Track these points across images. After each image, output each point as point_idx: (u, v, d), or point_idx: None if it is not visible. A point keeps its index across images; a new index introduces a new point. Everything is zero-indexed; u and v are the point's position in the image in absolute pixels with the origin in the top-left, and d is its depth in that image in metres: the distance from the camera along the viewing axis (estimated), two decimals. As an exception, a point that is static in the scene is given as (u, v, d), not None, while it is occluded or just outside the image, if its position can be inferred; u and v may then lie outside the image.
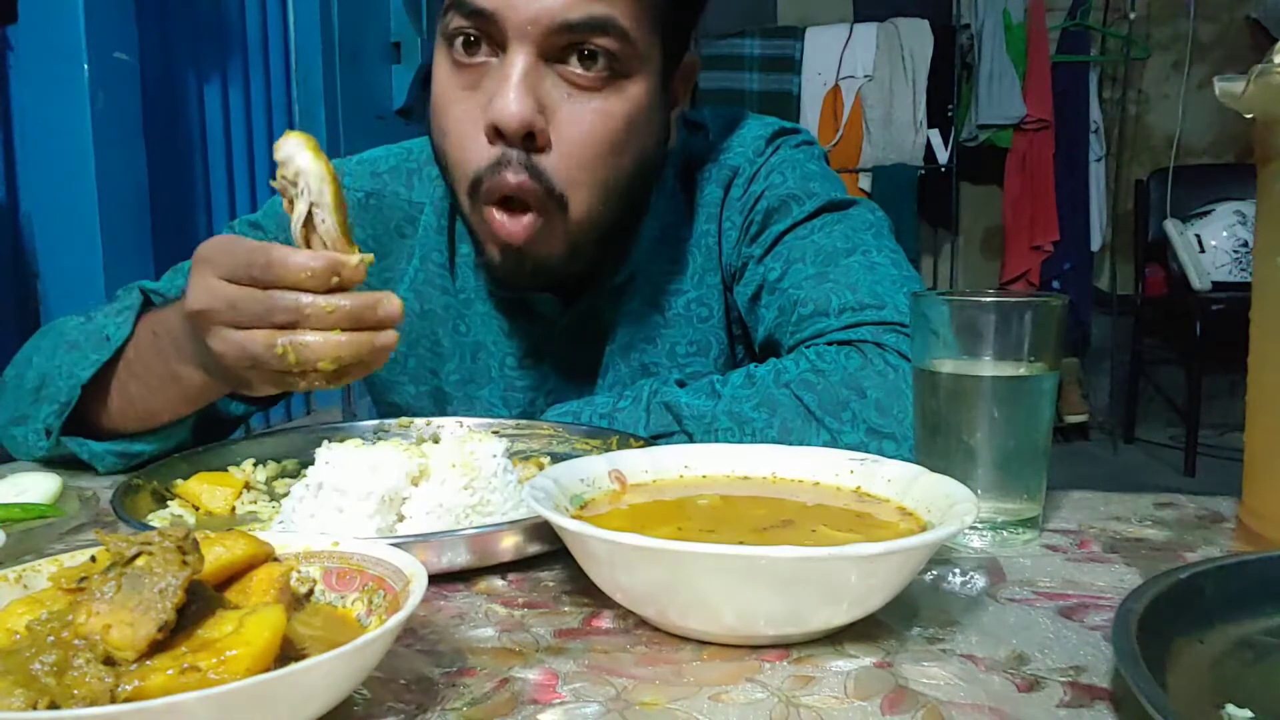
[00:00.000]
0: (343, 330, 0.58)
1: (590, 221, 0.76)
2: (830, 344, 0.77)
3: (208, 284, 0.60)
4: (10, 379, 0.83)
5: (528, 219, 0.73)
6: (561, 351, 0.89)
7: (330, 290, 0.58)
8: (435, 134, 0.77)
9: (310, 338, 0.58)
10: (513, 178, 0.72)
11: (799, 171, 0.86)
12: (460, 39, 0.71)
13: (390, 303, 0.59)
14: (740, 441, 0.73)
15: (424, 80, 3.08)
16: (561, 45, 0.70)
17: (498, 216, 0.74)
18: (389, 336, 0.59)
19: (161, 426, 0.77)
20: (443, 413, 0.89)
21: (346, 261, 0.58)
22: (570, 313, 0.87)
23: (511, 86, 0.69)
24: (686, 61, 0.81)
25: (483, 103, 0.71)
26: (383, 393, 0.97)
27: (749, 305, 0.87)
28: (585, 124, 0.72)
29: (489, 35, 0.70)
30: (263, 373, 0.60)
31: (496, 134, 0.71)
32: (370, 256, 0.60)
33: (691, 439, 0.74)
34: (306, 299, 0.58)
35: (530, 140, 0.71)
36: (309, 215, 0.58)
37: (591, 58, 0.71)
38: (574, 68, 0.71)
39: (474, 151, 0.73)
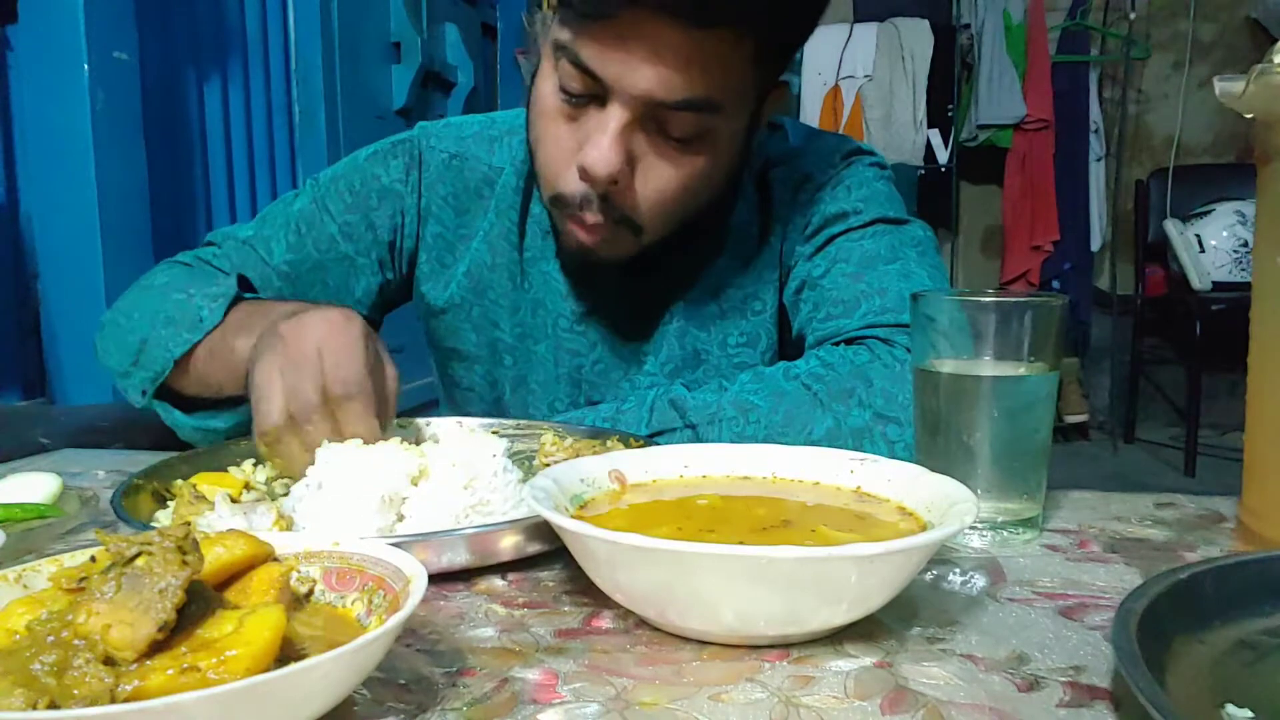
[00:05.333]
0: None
1: (661, 238, 0.82)
2: (838, 343, 0.81)
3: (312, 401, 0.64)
4: (111, 323, 0.90)
5: (600, 236, 0.79)
6: (615, 322, 0.93)
7: None
8: (531, 134, 0.82)
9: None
10: (591, 218, 0.78)
11: (866, 189, 0.90)
12: (569, 80, 0.75)
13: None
14: (744, 429, 0.75)
15: (424, 80, 3.09)
16: (657, 114, 0.74)
17: (572, 226, 0.80)
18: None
19: (227, 399, 0.82)
20: (499, 364, 0.96)
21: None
22: (629, 287, 0.90)
23: (606, 141, 0.74)
24: (775, 91, 0.83)
25: (579, 137, 0.76)
26: (444, 337, 1.00)
27: (792, 299, 0.91)
28: (667, 176, 0.77)
29: (594, 89, 0.74)
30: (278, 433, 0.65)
31: (585, 174, 0.75)
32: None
33: (695, 430, 0.76)
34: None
35: (614, 184, 0.76)
36: None
37: (682, 125, 0.75)
38: (665, 131, 0.75)
39: (563, 178, 0.78)
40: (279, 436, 0.64)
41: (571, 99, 0.76)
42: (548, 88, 0.78)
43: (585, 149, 0.75)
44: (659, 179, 0.77)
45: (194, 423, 0.83)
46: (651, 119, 0.74)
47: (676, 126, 0.74)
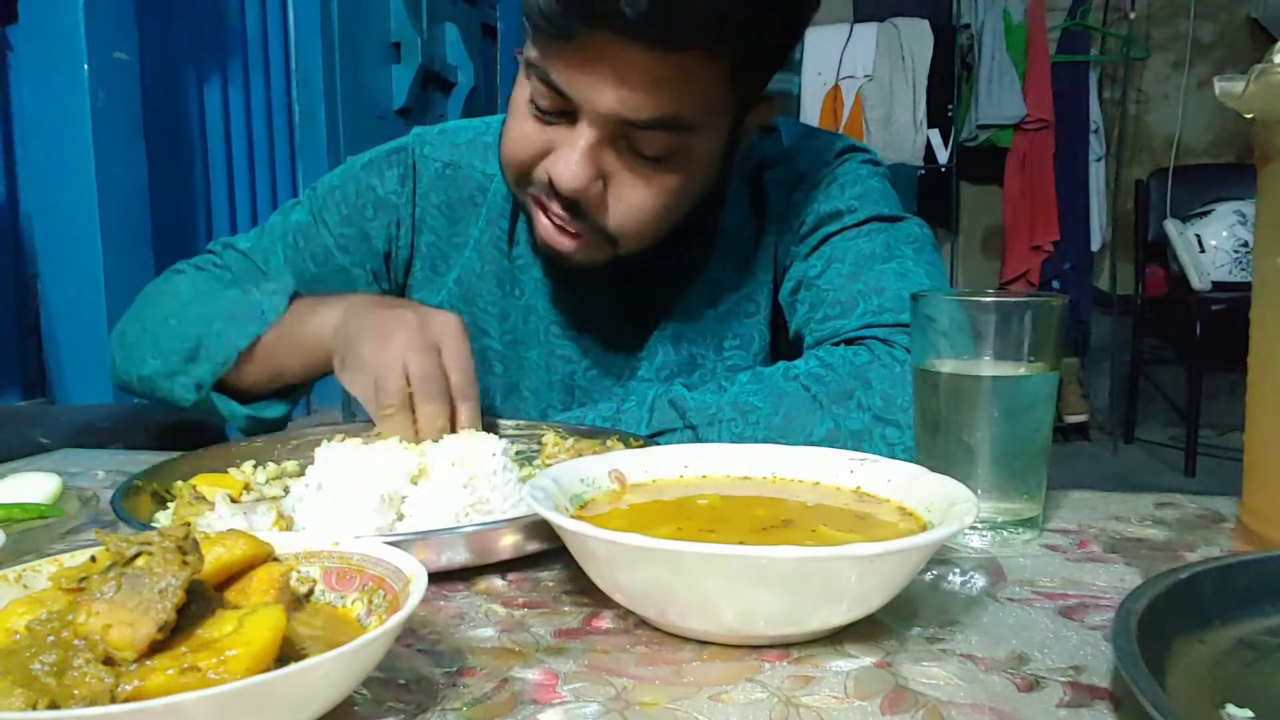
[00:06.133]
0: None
1: (639, 249, 0.81)
2: (838, 344, 0.80)
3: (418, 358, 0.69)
4: (138, 331, 0.93)
5: (575, 242, 0.79)
6: (608, 327, 0.92)
7: None
8: (503, 131, 0.81)
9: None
10: (555, 208, 0.77)
11: (860, 186, 0.90)
12: (540, 97, 0.75)
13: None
14: (743, 430, 0.74)
15: (424, 80, 3.09)
16: (627, 132, 0.74)
17: (546, 222, 0.79)
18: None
19: (284, 389, 0.89)
20: (489, 371, 0.96)
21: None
22: (622, 293, 0.90)
23: (575, 156, 0.73)
24: (760, 106, 0.82)
25: (549, 143, 0.76)
26: None
27: (789, 300, 0.90)
28: (640, 193, 0.77)
29: (564, 106, 0.74)
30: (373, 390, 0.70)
31: (554, 186, 0.76)
32: None
33: (695, 431, 0.76)
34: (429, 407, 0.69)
35: (584, 196, 0.75)
36: None
37: (653, 144, 0.74)
38: (636, 149, 0.75)
39: (533, 173, 0.78)
40: (399, 409, 0.68)
41: (544, 115, 0.75)
42: (522, 92, 0.77)
43: (555, 161, 0.75)
44: (632, 196, 0.77)
45: (250, 412, 0.88)
46: (622, 137, 0.74)
47: (648, 145, 0.74)
